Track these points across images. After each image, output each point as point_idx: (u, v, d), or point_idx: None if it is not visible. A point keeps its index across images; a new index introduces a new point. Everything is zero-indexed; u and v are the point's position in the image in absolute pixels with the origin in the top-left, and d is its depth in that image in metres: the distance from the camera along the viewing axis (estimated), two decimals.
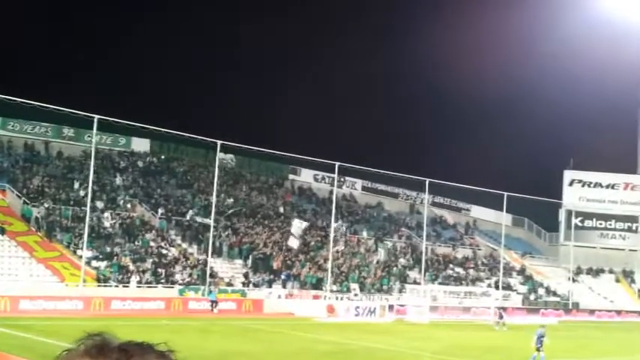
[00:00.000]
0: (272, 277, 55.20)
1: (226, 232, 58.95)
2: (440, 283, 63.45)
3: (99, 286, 46.15)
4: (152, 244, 53.41)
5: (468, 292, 60.61)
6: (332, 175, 63.17)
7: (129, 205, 57.39)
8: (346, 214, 71.75)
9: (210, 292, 48.00)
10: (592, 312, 65.29)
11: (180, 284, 49.53)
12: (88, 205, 48.11)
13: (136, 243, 52.73)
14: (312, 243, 62.79)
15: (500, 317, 48.08)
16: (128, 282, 47.70)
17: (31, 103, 46.81)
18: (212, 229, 52.73)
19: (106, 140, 63.37)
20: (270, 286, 53.71)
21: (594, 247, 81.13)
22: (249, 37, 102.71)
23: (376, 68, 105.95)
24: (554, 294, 70.26)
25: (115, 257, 49.69)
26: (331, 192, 65.72)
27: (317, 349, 31.07)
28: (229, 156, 69.00)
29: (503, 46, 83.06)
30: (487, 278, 68.74)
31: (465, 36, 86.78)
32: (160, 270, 50.22)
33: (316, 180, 75.86)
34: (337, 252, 61.40)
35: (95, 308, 42.10)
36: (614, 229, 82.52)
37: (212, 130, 57.43)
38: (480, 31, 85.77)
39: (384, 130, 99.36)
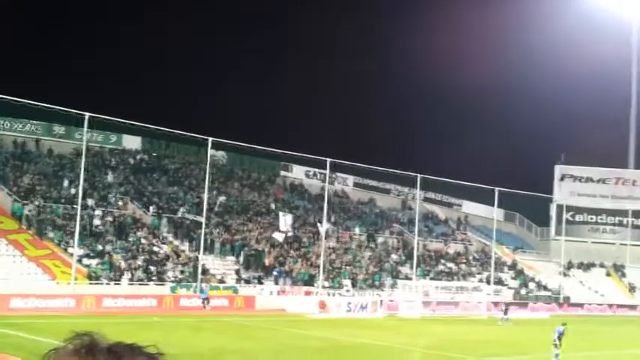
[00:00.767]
0: (264, 273, 55.21)
1: (218, 229, 58.91)
2: (432, 279, 63.56)
3: (90, 283, 46.05)
4: (144, 241, 53.31)
5: (460, 288, 60.73)
6: (324, 171, 63.17)
7: (120, 203, 57.25)
8: (338, 211, 71.77)
9: (202, 289, 47.95)
10: (583, 306, 65.57)
11: (171, 281, 49.47)
12: (79, 202, 47.96)
13: (128, 240, 52.63)
14: (304, 239, 62.81)
15: (505, 313, 48.09)
16: (120, 280, 47.61)
17: (22, 101, 46.61)
18: (204, 226, 52.66)
19: (97, 138, 63.18)
20: (262, 283, 53.72)
21: (585, 242, 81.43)
22: (240, 34, 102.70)
23: (368, 65, 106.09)
24: (545, 288, 70.51)
25: (107, 255, 49.59)
26: (323, 188, 65.73)
27: (309, 345, 31.12)
28: (221, 153, 68.90)
29: (494, 41, 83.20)
30: (479, 273, 68.94)
31: (457, 32, 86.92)
32: (151, 267, 50.15)
33: (308, 176, 75.85)
34: (329, 248, 61.44)
35: (87, 306, 42.01)
36: (605, 224, 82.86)
37: (203, 127, 57.42)
38: (471, 27, 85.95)
39: (376, 127, 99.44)
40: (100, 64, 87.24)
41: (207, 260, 53.21)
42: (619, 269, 78.82)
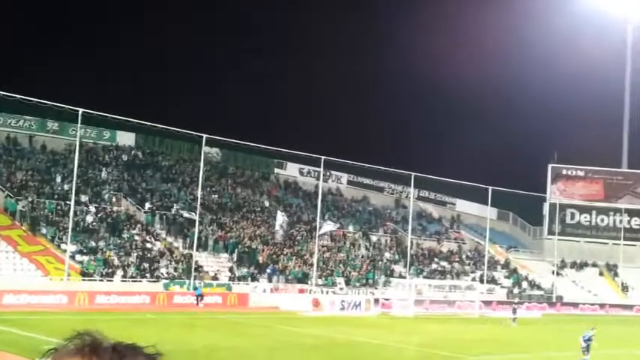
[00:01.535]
0: (257, 271, 55.19)
1: (212, 226, 58.86)
2: (425, 277, 63.65)
3: (83, 280, 45.95)
4: (137, 238, 53.23)
5: (453, 286, 60.83)
6: (318, 169, 63.19)
7: (114, 199, 57.14)
8: (332, 209, 71.78)
9: (195, 286, 47.90)
10: (575, 305, 65.70)
11: (165, 278, 49.41)
12: (73, 199, 47.84)
13: (121, 237, 52.53)
14: (298, 237, 62.81)
15: (514, 312, 47.09)
16: (113, 276, 47.53)
17: (15, 97, 46.50)
18: (197, 223, 52.60)
19: (90, 134, 63.05)
20: (255, 280, 53.70)
21: (578, 241, 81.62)
22: (236, 31, 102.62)
23: (363, 63, 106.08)
24: (538, 287, 70.65)
25: (100, 251, 49.50)
26: (317, 186, 65.73)
27: (302, 343, 31.13)
28: (214, 150, 68.83)
29: (488, 40, 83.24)
30: (472, 272, 69.03)
31: (451, 31, 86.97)
32: (144, 264, 50.08)
33: (302, 174, 75.83)
34: (323, 246, 61.45)
35: (79, 302, 41.92)
36: (598, 223, 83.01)
37: (197, 123, 57.28)
38: (465, 26, 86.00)
39: (370, 125, 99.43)
40: (95, 60, 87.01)
41: (200, 257, 53.16)
42: (612, 269, 79.01)
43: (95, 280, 46.53)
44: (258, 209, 65.52)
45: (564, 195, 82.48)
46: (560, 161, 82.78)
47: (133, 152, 66.69)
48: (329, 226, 59.27)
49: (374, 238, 69.78)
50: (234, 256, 56.10)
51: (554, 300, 67.35)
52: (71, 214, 47.23)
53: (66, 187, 53.90)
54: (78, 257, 47.76)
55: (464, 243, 77.19)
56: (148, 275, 49.18)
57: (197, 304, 46.11)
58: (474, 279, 65.52)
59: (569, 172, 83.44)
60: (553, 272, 73.75)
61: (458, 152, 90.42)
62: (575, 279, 75.85)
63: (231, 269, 54.25)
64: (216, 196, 64.00)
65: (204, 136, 53.25)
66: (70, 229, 46.59)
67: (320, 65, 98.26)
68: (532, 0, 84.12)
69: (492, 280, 67.81)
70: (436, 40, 80.00)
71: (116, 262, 49.13)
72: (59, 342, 1.67)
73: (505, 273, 72.48)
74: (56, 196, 53.73)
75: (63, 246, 47.31)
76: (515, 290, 68.25)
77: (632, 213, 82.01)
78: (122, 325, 31.59)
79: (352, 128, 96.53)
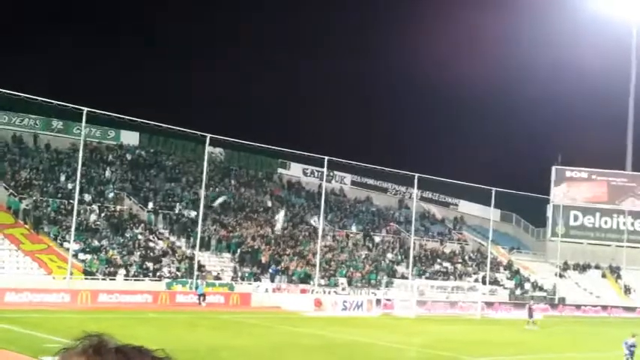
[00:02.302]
0: (260, 271, 55.22)
1: (214, 226, 58.91)
2: (427, 278, 63.59)
3: (86, 279, 46.01)
4: (140, 237, 53.29)
5: (456, 287, 60.76)
6: (321, 169, 63.17)
7: (117, 199, 57.20)
8: (335, 209, 71.80)
9: (197, 286, 47.94)
10: (578, 307, 65.63)
11: (167, 277, 49.46)
12: (76, 197, 47.92)
13: (124, 236, 52.60)
14: (301, 237, 62.84)
15: (531, 315, 45.96)
16: (115, 275, 47.59)
17: (20, 95, 46.59)
18: (200, 222, 52.65)
19: (94, 133, 63.13)
20: (258, 280, 53.73)
21: (581, 243, 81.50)
22: (239, 32, 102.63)
23: (366, 63, 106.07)
24: (541, 289, 70.58)
25: (103, 250, 49.57)
26: (320, 186, 65.74)
27: (304, 343, 31.17)
28: (218, 149, 68.88)
29: (492, 42, 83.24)
30: (474, 273, 68.97)
31: (455, 33, 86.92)
32: (147, 263, 50.13)
33: (305, 174, 75.84)
34: (325, 246, 61.47)
35: (82, 301, 41.99)
36: (601, 225, 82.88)
37: (202, 123, 57.38)
38: (469, 28, 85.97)
39: (374, 125, 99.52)
40: (99, 59, 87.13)
41: (203, 257, 53.21)
42: (615, 271, 78.92)
43: (98, 279, 46.61)
44: (262, 209, 65.55)
45: (568, 197, 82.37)
46: (564, 163, 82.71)
47: (137, 152, 66.77)
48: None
49: (377, 239, 69.77)
50: (237, 255, 56.15)
51: (556, 302, 67.28)
52: (74, 212, 47.30)
53: (70, 186, 53.98)
54: (81, 256, 47.84)
55: (467, 244, 77.14)
56: (150, 274, 49.24)
57: (199, 303, 46.15)
58: (476, 280, 65.44)
59: (573, 174, 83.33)
60: (556, 274, 73.68)
61: (461, 153, 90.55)
62: (577, 281, 75.78)
63: (233, 269, 54.29)
64: (222, 199, 64.00)
65: (208, 135, 53.29)
66: (73, 228, 46.67)
67: (324, 65, 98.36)
68: (537, 2, 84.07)
69: (495, 282, 67.76)
70: (441, 41, 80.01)
71: (119, 261, 49.20)
72: (69, 342, 1.71)
73: (508, 274, 72.42)
74: (60, 195, 53.84)
75: (66, 244, 47.39)
76: (518, 292, 68.21)
77: (635, 215, 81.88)
78: (124, 323, 31.63)
79: (356, 129, 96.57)
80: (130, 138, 66.59)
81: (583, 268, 78.80)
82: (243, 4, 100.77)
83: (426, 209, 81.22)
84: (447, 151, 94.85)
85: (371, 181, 79.77)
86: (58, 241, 48.49)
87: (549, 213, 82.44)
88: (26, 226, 49.10)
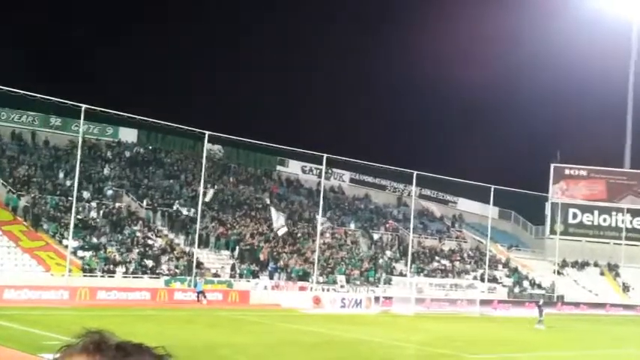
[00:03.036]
0: (258, 268, 55.21)
1: (213, 224, 58.88)
2: (426, 275, 63.65)
3: (84, 276, 45.98)
4: (138, 234, 53.26)
5: (454, 285, 60.84)
6: (320, 166, 63.14)
7: (115, 195, 57.17)
8: (333, 207, 71.80)
9: (195, 283, 47.92)
10: (576, 305, 65.70)
11: (166, 275, 49.44)
12: (75, 194, 47.89)
13: (123, 233, 52.57)
14: (299, 235, 62.84)
15: (541, 314, 44.51)
16: (114, 272, 47.57)
17: (18, 92, 46.51)
18: (199, 220, 52.63)
19: (93, 130, 63.06)
20: (256, 278, 53.72)
21: (580, 241, 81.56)
22: (239, 30, 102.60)
23: (365, 61, 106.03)
24: (539, 287, 70.62)
25: (102, 248, 49.54)
26: (319, 184, 65.73)
27: (303, 340, 31.17)
28: (217, 147, 68.86)
29: (491, 39, 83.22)
30: (473, 271, 69.01)
31: (454, 31, 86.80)
32: (146, 261, 50.11)
33: (304, 171, 75.83)
34: (324, 244, 61.47)
35: (81, 298, 41.95)
36: (600, 223, 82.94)
37: (200, 120, 57.30)
38: (469, 26, 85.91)
39: (373, 123, 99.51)
40: (98, 56, 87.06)
41: (201, 254, 53.19)
42: (613, 269, 79.00)
43: (96, 276, 46.58)
44: (260, 206, 65.53)
45: (566, 194, 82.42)
46: (563, 161, 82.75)
47: (135, 149, 66.72)
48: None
49: (375, 236, 69.78)
50: (236, 253, 56.14)
51: (555, 299, 67.33)
52: (73, 209, 47.26)
53: (68, 183, 53.94)
54: (79, 253, 47.80)
55: (465, 242, 77.17)
56: (149, 272, 49.22)
57: (199, 300, 46.10)
58: (475, 278, 65.52)
59: (572, 172, 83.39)
60: (554, 272, 73.73)
61: (460, 151, 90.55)
62: (576, 278, 75.84)
63: (232, 266, 54.28)
64: (212, 192, 63.94)
65: (207, 133, 53.25)
66: (71, 225, 46.64)
67: (323, 63, 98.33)
68: (536, 2, 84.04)
69: (493, 279, 67.79)
70: (440, 39, 79.98)
71: (117, 258, 49.17)
72: (69, 339, 1.70)
73: (506, 272, 72.47)
74: (58, 192, 53.79)
75: (64, 242, 47.35)
76: (516, 289, 68.28)
77: (634, 213, 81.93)
78: (123, 321, 31.61)
79: (355, 126, 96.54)
80: (129, 135, 66.54)
81: (581, 265, 78.88)
82: (245, 3, 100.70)
83: (424, 207, 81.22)
84: (445, 149, 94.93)
85: (369, 179, 79.76)
86: (57, 238, 48.45)
87: (548, 211, 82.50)
88: (25, 223, 49.04)
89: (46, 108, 55.25)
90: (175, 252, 52.94)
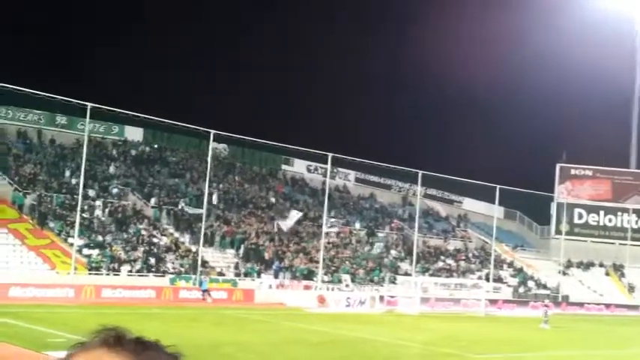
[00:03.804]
0: (263, 267, 55.27)
1: (218, 222, 58.96)
2: (431, 275, 63.61)
3: (90, 274, 46.12)
4: (144, 232, 53.37)
5: (459, 284, 60.77)
6: (325, 166, 63.16)
7: (121, 194, 57.28)
8: (339, 206, 71.80)
9: (201, 282, 47.99)
10: (581, 305, 65.60)
11: (171, 273, 49.52)
12: (80, 193, 48.02)
13: (128, 232, 52.67)
14: (304, 234, 62.87)
15: (546, 314, 44.69)
16: (119, 270, 47.68)
17: (25, 91, 46.62)
18: (204, 218, 52.70)
19: (98, 129, 63.18)
20: (261, 276, 53.78)
21: (585, 241, 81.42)
22: (243, 29, 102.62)
23: (370, 61, 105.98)
24: (544, 287, 70.55)
25: (107, 246, 49.65)
26: (324, 183, 65.73)
27: (307, 340, 31.18)
28: (222, 146, 68.90)
29: (497, 40, 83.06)
30: (478, 270, 68.96)
31: (459, 31, 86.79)
32: (151, 259, 50.20)
33: (309, 171, 75.84)
34: (329, 243, 61.49)
35: (86, 296, 42.06)
36: (606, 223, 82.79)
37: (206, 119, 57.37)
38: (473, 25, 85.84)
39: (378, 122, 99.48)
40: (103, 55, 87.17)
41: (206, 253, 53.27)
42: (618, 269, 78.85)
43: (102, 274, 46.70)
44: (265, 205, 65.57)
45: (572, 195, 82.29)
46: (569, 161, 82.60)
47: (141, 147, 66.82)
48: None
49: (380, 236, 69.76)
50: (241, 252, 56.21)
51: (560, 299, 67.24)
52: (78, 208, 47.39)
53: (74, 181, 54.06)
54: (85, 251, 47.93)
55: (470, 241, 77.10)
56: (154, 270, 49.32)
57: (204, 299, 46.17)
58: (480, 277, 65.43)
59: (577, 172, 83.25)
60: (559, 272, 73.62)
61: (466, 151, 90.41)
62: (581, 279, 75.72)
63: (237, 265, 54.34)
64: (222, 192, 64.02)
65: (212, 131, 53.30)
66: (77, 223, 46.75)
67: (328, 62, 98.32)
68: (541, 1, 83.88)
69: (498, 279, 67.72)
70: (445, 39, 79.93)
71: (123, 256, 49.28)
72: (78, 337, 1.73)
73: (511, 272, 72.40)
74: (64, 190, 53.92)
75: (70, 240, 47.48)
76: (521, 289, 68.20)
77: (639, 213, 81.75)
78: (128, 319, 31.66)
79: (360, 126, 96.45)
80: (134, 134, 66.65)
81: (587, 266, 78.74)
82: (243, 3, 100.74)
83: (429, 206, 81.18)
84: (451, 149, 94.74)
85: (375, 178, 79.73)
86: (62, 236, 48.58)
87: (553, 211, 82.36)
88: (30, 221, 49.19)
89: (52, 107, 55.40)
90: (180, 250, 53.03)
